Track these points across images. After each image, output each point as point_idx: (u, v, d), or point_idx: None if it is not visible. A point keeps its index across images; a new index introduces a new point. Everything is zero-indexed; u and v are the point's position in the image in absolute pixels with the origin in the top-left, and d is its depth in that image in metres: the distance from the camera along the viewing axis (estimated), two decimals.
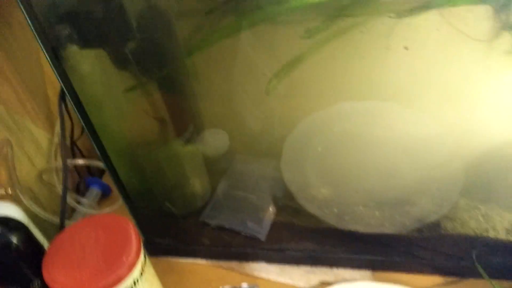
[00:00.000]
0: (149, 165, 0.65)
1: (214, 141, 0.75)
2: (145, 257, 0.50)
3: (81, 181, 0.86)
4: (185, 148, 0.63)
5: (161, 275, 0.59)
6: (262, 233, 0.70)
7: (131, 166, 0.64)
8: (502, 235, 0.58)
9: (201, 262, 0.70)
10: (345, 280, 0.65)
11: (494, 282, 0.57)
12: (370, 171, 0.66)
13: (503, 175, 0.58)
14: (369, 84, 0.66)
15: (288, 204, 0.71)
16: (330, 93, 0.77)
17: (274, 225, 0.70)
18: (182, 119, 0.61)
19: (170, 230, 0.71)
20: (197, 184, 0.70)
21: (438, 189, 0.61)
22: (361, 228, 0.61)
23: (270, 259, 0.68)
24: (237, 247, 0.69)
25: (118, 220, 0.51)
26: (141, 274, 0.48)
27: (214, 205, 0.74)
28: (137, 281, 0.47)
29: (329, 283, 0.64)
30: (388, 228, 0.60)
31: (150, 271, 0.52)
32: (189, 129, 0.62)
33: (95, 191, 0.84)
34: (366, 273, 0.65)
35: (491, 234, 0.59)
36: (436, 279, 0.63)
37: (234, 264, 0.69)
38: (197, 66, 0.69)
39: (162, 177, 0.66)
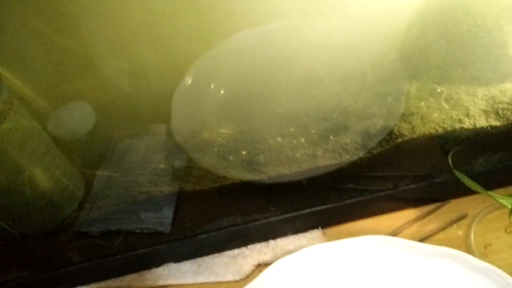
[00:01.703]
0: None
1: (68, 116, 0.53)
2: None
3: None
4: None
5: None
6: (165, 223, 0.48)
7: None
8: (481, 121, 0.39)
9: None
10: (289, 252, 0.44)
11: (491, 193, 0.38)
12: (285, 92, 0.46)
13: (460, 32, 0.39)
14: None
15: (190, 174, 0.49)
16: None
17: (179, 208, 0.48)
18: None
19: (19, 259, 0.47)
20: (51, 182, 0.48)
21: (374, 83, 0.41)
22: (285, 169, 0.40)
23: (180, 255, 0.47)
24: (133, 253, 0.47)
25: None
26: None
27: (93, 205, 0.51)
28: None
29: (268, 263, 0.43)
30: (323, 160, 0.40)
31: None
32: None
33: None
34: (314, 234, 0.45)
35: (466, 124, 0.40)
36: (406, 214, 0.44)
37: (130, 278, 0.47)
38: None
39: None
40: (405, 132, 0.39)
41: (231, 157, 0.41)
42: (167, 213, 0.49)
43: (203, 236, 0.46)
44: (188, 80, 0.54)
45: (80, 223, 0.49)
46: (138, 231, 0.48)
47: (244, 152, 0.41)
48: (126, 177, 0.53)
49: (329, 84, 0.46)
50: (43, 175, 0.46)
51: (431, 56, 0.40)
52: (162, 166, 0.52)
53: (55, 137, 0.51)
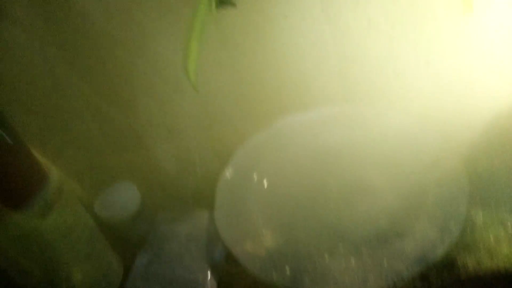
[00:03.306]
0: None
1: (114, 197, 0.53)
2: None
3: None
4: (44, 220, 0.41)
5: None
6: None
7: None
8: None
9: None
10: None
11: None
12: (334, 199, 0.44)
13: None
14: None
15: (230, 271, 0.47)
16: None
17: None
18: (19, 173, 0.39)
19: None
20: (88, 273, 0.47)
21: (436, 204, 0.38)
22: None
23: None
24: None
25: None
26: None
27: None
28: None
29: None
30: (374, 283, 0.37)
31: None
32: (41, 188, 0.40)
33: None
34: None
35: None
36: None
37: None
38: None
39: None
40: (469, 264, 0.35)
41: (274, 274, 0.38)
42: None
43: None
44: (231, 169, 0.53)
45: None
46: None
47: (288, 270, 0.38)
48: (164, 267, 0.51)
49: (381, 192, 0.43)
50: (82, 266, 0.46)
51: (501, 182, 0.37)
52: (201, 258, 0.50)
53: (100, 220, 0.51)
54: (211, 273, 0.48)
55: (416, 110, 0.51)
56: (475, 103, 0.44)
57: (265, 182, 0.50)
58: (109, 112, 0.56)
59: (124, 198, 0.53)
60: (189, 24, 0.41)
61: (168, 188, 0.56)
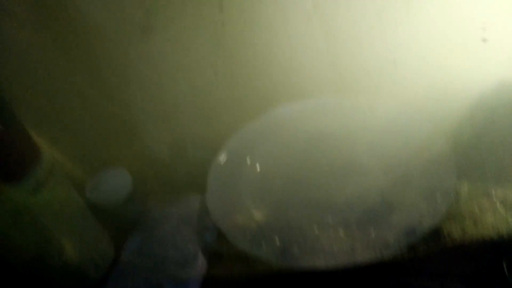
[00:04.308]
0: None
1: (106, 182, 0.54)
2: None
3: None
4: (35, 197, 0.41)
5: None
6: None
7: None
8: None
9: None
10: None
11: None
12: (325, 179, 0.45)
13: None
14: None
15: (221, 251, 0.48)
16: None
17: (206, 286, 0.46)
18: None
19: None
20: (80, 249, 0.47)
21: (423, 178, 0.39)
22: (321, 264, 0.38)
23: None
24: None
25: None
26: None
27: (119, 277, 0.50)
28: None
29: None
30: (362, 255, 0.37)
31: None
32: (35, 164, 0.41)
33: None
34: None
35: None
36: None
37: None
38: None
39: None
40: (455, 234, 0.36)
41: (263, 244, 0.38)
42: None
43: None
44: (225, 154, 0.53)
45: None
46: None
47: (278, 241, 0.39)
48: (156, 249, 0.52)
49: (372, 172, 0.44)
50: (74, 243, 0.46)
51: (485, 154, 0.37)
52: (192, 240, 0.51)
53: (91, 204, 0.51)
54: (202, 254, 0.49)
55: (405, 96, 0.52)
56: (460, 82, 0.45)
57: (257, 166, 0.51)
58: (101, 100, 0.57)
59: (115, 183, 0.54)
60: None
61: (160, 174, 0.57)
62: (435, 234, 0.37)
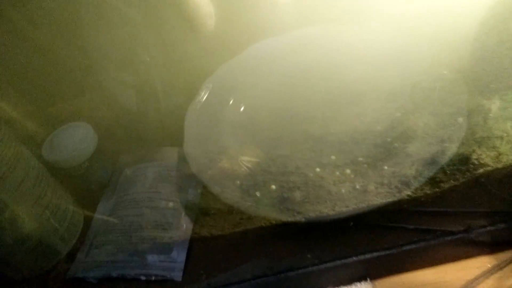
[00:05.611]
0: None
1: (66, 139, 0.46)
2: None
3: None
4: None
5: None
6: (175, 268, 0.40)
7: None
8: None
9: None
10: None
11: None
12: (321, 111, 0.37)
13: None
14: None
15: (207, 211, 0.41)
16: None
17: (193, 252, 0.40)
18: None
19: None
20: (38, 219, 0.39)
21: (434, 101, 0.32)
22: (328, 209, 0.31)
23: None
24: None
25: None
26: None
27: (91, 247, 0.43)
28: None
29: None
30: (376, 196, 0.31)
31: None
32: None
33: None
34: (361, 287, 0.35)
35: None
36: (480, 263, 0.34)
37: None
38: None
39: None
40: (488, 161, 0.30)
41: (257, 193, 0.32)
42: (179, 257, 0.41)
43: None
44: (203, 96, 0.46)
45: (76, 268, 0.41)
46: (144, 278, 0.40)
47: (274, 187, 0.32)
48: (131, 211, 0.44)
49: (375, 100, 0.37)
50: (29, 212, 0.38)
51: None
52: (173, 198, 0.44)
53: (49, 164, 0.43)
54: (186, 214, 0.42)
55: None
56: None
57: (242, 105, 0.44)
58: (52, 44, 0.48)
59: (77, 139, 0.46)
60: None
61: (129, 127, 0.49)
62: (463, 165, 0.31)
